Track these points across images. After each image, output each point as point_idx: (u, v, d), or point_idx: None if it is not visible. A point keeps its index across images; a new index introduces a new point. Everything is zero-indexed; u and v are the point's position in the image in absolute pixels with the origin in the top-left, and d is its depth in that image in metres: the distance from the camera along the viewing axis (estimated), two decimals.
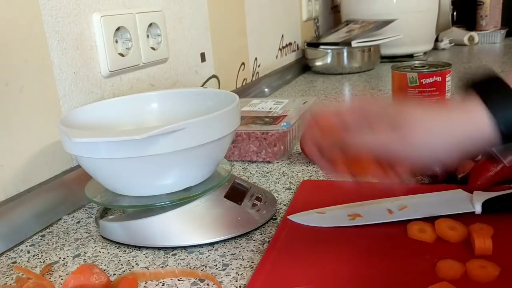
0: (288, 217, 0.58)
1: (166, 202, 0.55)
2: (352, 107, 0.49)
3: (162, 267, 0.51)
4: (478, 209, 0.55)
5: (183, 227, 0.55)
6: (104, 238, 0.58)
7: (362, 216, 0.56)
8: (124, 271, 0.51)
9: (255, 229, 0.57)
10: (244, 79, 1.26)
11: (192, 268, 0.50)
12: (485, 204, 0.55)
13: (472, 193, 0.58)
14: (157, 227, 0.54)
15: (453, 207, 0.56)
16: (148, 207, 0.55)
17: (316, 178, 0.71)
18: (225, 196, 0.57)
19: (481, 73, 0.45)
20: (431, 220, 0.53)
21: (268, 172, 0.76)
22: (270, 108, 0.89)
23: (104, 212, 0.64)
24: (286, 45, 1.58)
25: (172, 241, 0.54)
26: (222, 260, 0.51)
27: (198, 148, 0.52)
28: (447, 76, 0.74)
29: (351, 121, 0.47)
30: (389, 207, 0.57)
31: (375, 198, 0.60)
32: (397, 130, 0.44)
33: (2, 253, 0.57)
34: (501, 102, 0.43)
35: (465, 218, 0.54)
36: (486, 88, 0.44)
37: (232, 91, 1.05)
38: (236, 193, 0.59)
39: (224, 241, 0.55)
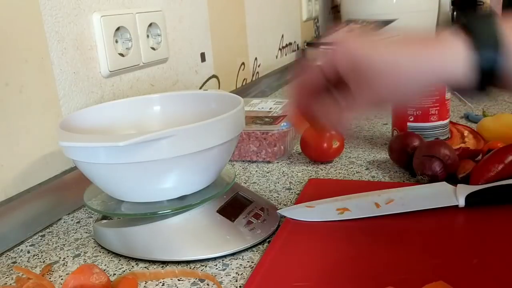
0: (278, 211, 0.59)
1: (167, 211, 0.52)
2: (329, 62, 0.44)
3: (162, 267, 0.51)
4: (461, 202, 0.56)
5: (169, 239, 0.52)
6: None
7: (350, 210, 0.57)
8: (124, 271, 0.51)
9: (246, 249, 0.52)
10: (244, 79, 1.26)
11: (192, 268, 0.50)
12: (468, 198, 0.56)
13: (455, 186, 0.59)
14: (144, 236, 0.52)
15: (437, 200, 0.57)
16: (138, 216, 0.53)
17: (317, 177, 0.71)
18: (219, 211, 0.54)
19: (475, 11, 0.41)
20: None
21: (268, 172, 0.76)
22: (270, 108, 0.89)
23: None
24: (286, 45, 1.58)
25: (152, 254, 0.52)
26: (222, 260, 0.51)
27: (191, 156, 0.49)
28: None
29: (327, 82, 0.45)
30: (376, 201, 0.58)
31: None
32: (364, 86, 0.41)
33: (2, 253, 0.57)
34: (487, 38, 0.38)
35: (449, 211, 0.56)
36: (474, 22, 0.39)
37: (232, 91, 1.05)
38: (234, 207, 0.56)
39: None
